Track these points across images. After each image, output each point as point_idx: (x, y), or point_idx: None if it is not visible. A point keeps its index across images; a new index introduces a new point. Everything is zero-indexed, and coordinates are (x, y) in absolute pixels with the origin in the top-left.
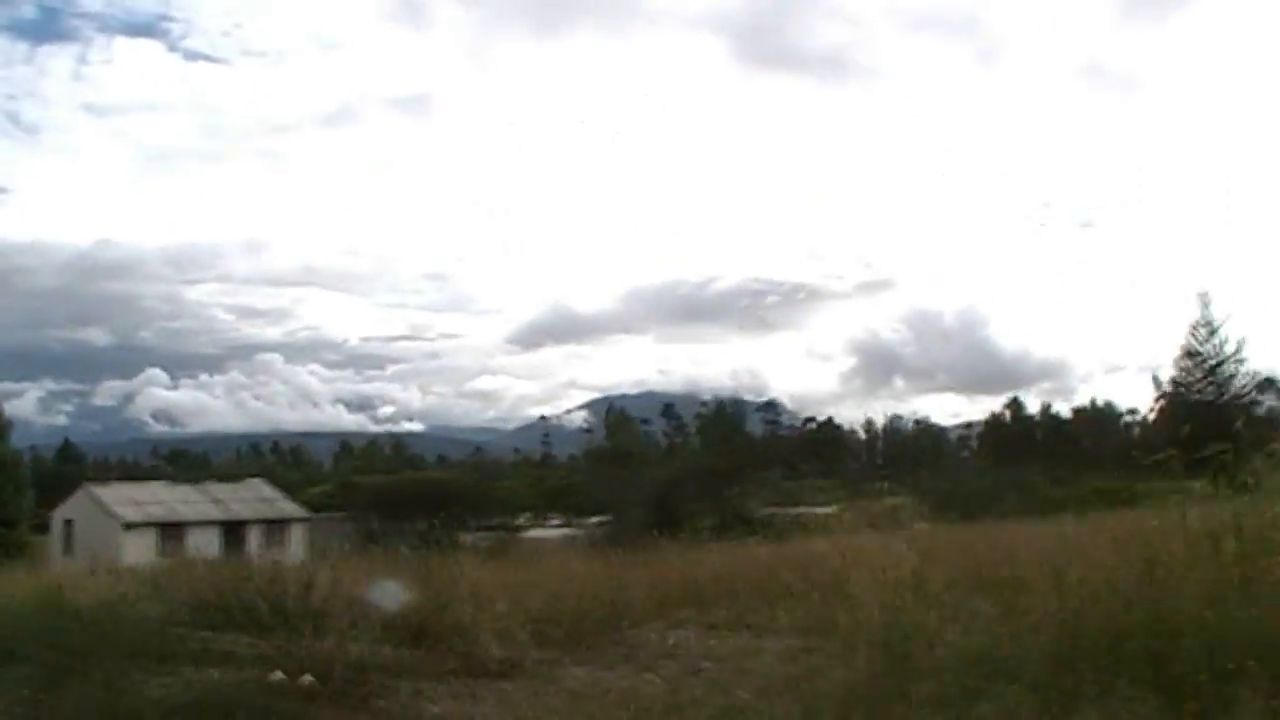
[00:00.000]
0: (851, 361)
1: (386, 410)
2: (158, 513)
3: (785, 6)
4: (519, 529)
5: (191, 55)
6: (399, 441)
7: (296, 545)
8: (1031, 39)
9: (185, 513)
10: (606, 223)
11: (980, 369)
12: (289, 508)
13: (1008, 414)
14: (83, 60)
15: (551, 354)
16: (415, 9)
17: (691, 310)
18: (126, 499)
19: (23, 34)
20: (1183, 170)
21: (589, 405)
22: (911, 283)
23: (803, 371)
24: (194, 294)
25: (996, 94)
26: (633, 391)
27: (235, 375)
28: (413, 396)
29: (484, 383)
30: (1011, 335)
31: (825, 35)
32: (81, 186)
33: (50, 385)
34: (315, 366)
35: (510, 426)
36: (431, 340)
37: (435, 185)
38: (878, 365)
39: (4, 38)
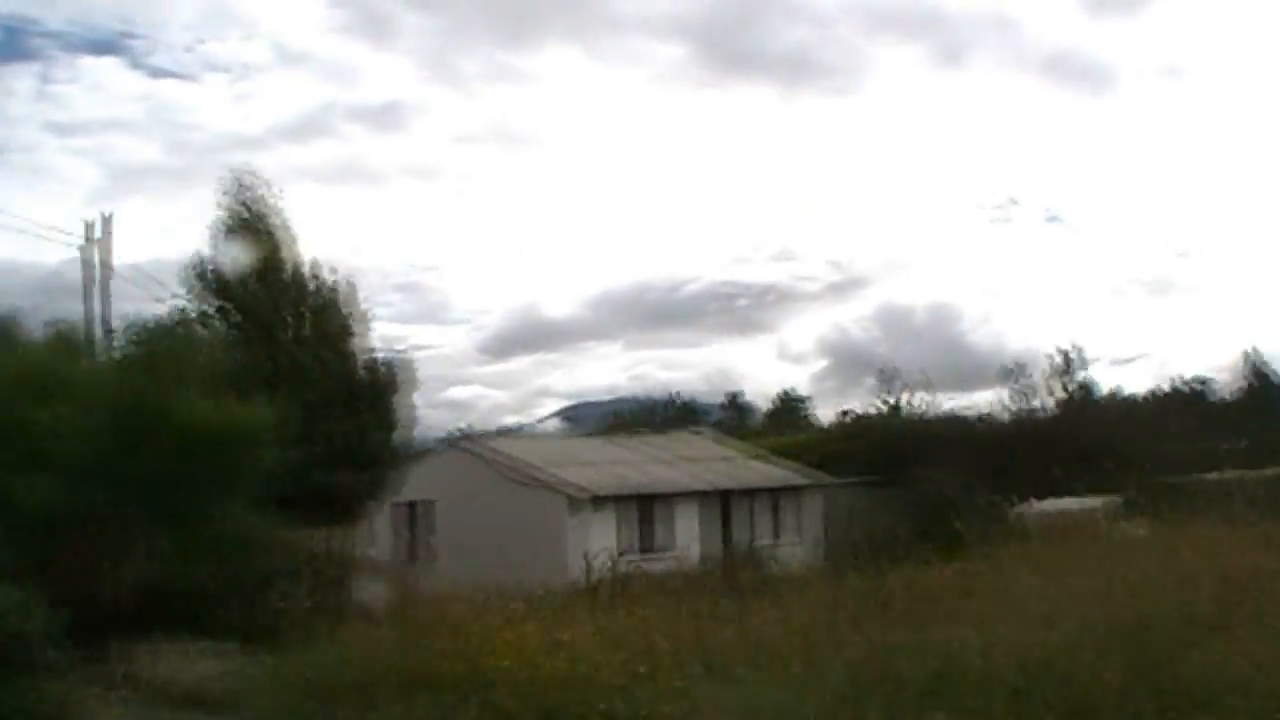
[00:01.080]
0: (824, 362)
1: None
2: (623, 477)
3: (747, 9)
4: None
5: (156, 72)
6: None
7: (812, 527)
8: (996, 34)
9: (666, 479)
10: (575, 228)
11: (952, 366)
12: (778, 472)
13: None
14: (46, 79)
15: (522, 362)
16: (379, 21)
17: (661, 314)
18: (570, 458)
19: None
20: (1151, 163)
21: (561, 412)
22: (881, 282)
23: (775, 374)
24: (163, 311)
25: (961, 90)
26: (605, 398)
27: None
28: None
29: (456, 392)
30: (982, 331)
31: (788, 36)
32: (49, 206)
33: None
34: None
35: None
36: (402, 351)
37: (404, 196)
38: (850, 365)
39: None
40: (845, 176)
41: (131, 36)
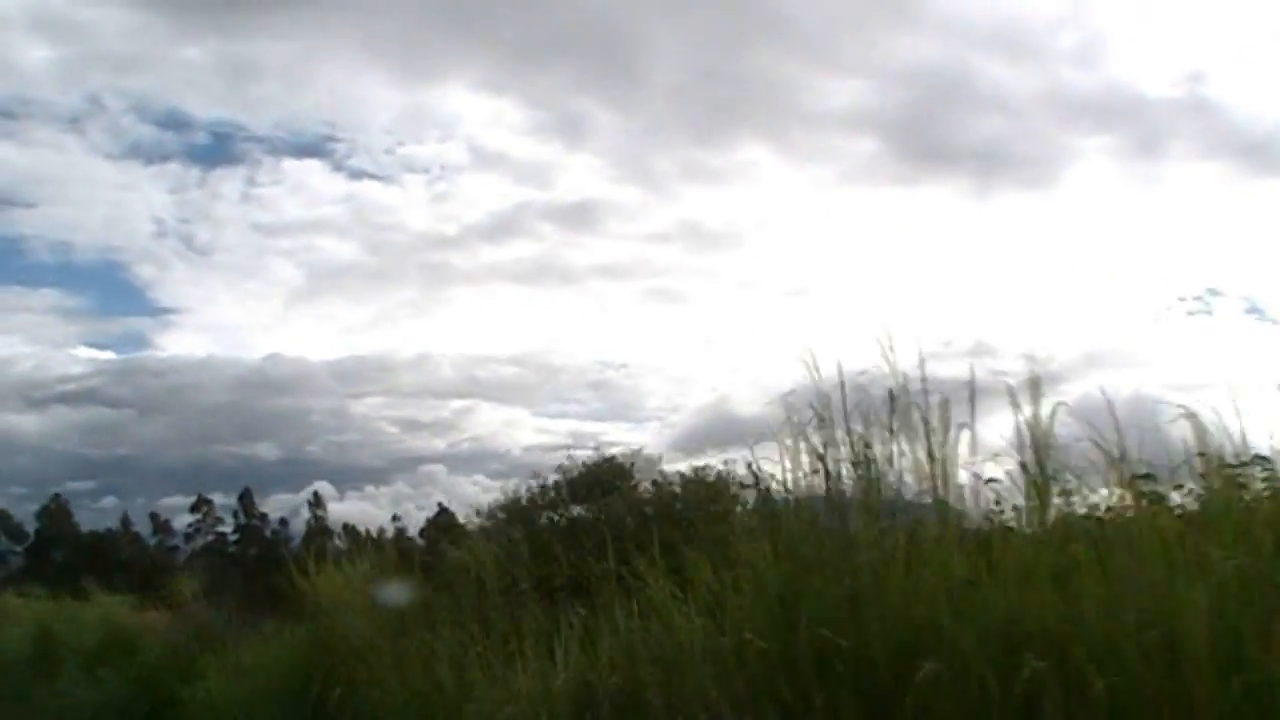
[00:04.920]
0: (1021, 458)
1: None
2: None
3: (938, 102)
4: None
5: (356, 174)
6: None
7: None
8: (1194, 120)
9: None
10: (766, 326)
11: (1156, 462)
12: None
13: None
14: (252, 182)
15: (712, 460)
16: (573, 121)
17: (852, 411)
18: None
19: (196, 159)
20: None
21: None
22: (1079, 376)
23: (968, 470)
24: (360, 407)
25: (1158, 180)
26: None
27: (400, 486)
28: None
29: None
30: (1184, 427)
31: (981, 129)
32: (251, 304)
33: (220, 499)
34: (479, 477)
35: None
36: (594, 449)
37: (596, 296)
38: (1048, 462)
39: (180, 163)
40: (1040, 268)
41: (333, 140)
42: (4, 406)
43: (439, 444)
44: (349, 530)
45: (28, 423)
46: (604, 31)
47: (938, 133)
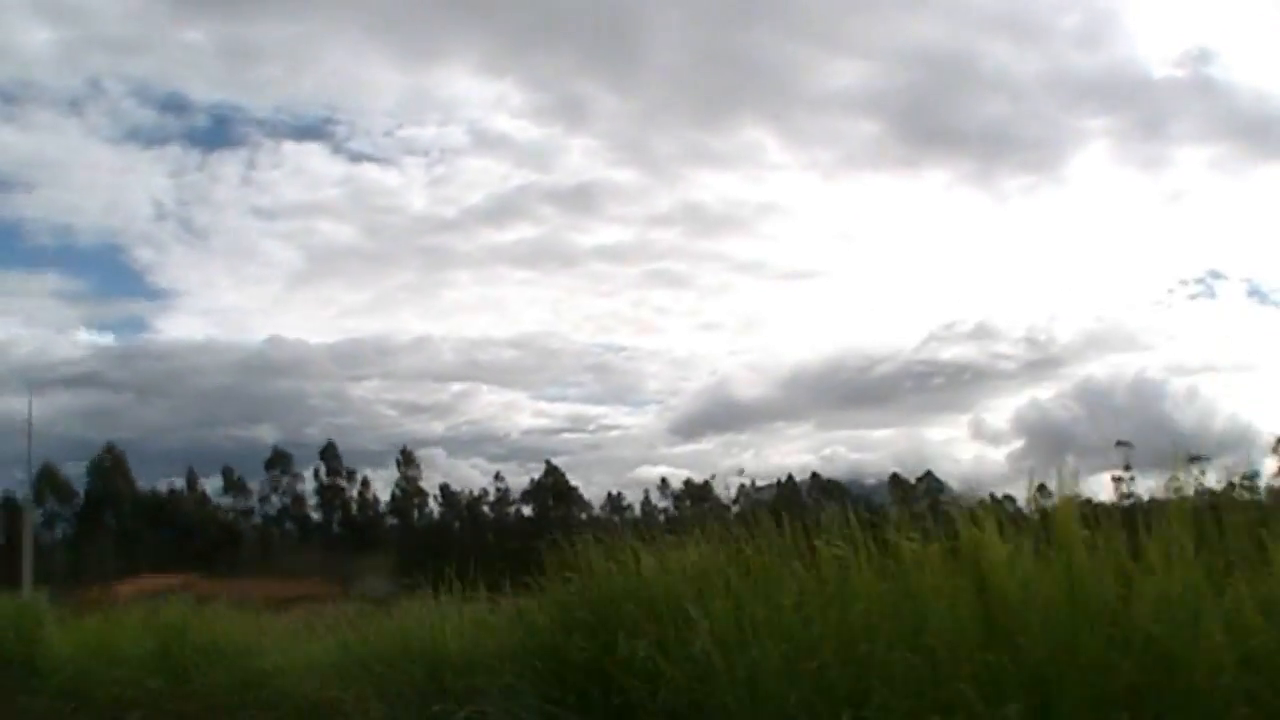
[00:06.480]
0: (1021, 442)
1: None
2: None
3: (944, 84)
4: None
5: (355, 156)
6: None
7: None
8: (1199, 104)
9: None
10: (766, 308)
11: (1158, 444)
12: None
13: None
14: (251, 165)
15: (712, 442)
16: (574, 104)
17: (853, 395)
18: None
19: (196, 142)
20: None
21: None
22: (1080, 359)
23: (970, 454)
24: (359, 390)
25: (1161, 162)
26: (796, 478)
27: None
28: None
29: (644, 473)
30: (1187, 409)
31: (984, 111)
32: (250, 287)
33: (219, 482)
34: (478, 460)
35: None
36: (592, 432)
37: (594, 279)
38: (1049, 445)
39: (179, 147)
40: (1043, 251)
41: (333, 122)
42: (4, 390)
43: (438, 427)
44: (445, 491)
45: (27, 406)
46: (605, 14)
47: (941, 115)
